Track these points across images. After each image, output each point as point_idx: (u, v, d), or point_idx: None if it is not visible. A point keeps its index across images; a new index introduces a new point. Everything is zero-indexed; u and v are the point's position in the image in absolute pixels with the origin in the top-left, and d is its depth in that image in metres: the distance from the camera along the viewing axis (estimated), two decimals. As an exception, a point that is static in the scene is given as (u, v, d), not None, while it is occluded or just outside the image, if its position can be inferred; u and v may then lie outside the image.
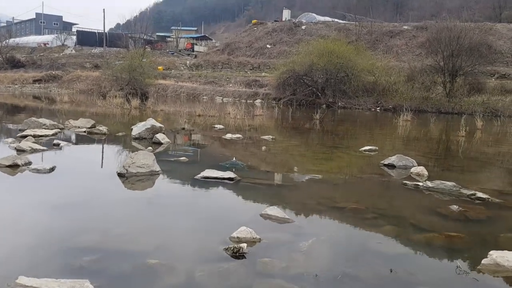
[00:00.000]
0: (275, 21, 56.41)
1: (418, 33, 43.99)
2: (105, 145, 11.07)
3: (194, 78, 42.92)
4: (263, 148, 11.17)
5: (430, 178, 7.88)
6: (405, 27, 46.18)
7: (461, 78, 31.13)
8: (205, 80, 42.04)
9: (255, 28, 53.14)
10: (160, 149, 10.63)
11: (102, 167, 8.31)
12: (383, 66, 34.07)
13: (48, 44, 57.28)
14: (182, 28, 64.05)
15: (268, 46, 48.08)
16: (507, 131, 18.39)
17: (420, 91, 31.38)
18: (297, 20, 53.79)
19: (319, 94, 32.85)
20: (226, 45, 51.18)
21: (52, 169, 7.64)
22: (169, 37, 62.98)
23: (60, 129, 12.96)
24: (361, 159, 10.11)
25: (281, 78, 33.81)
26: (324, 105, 31.59)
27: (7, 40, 50.76)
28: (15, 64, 48.03)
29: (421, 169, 8.44)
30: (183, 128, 14.67)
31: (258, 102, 34.48)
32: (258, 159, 9.71)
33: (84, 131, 12.81)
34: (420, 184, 7.42)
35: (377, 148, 11.33)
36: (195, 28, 69.13)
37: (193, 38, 60.73)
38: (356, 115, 27.08)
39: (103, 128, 12.86)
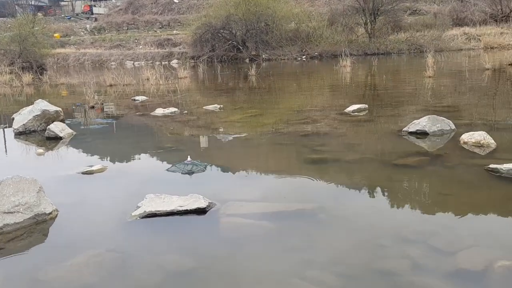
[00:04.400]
0: (178, -26, 50.27)
1: (329, -24, 40.87)
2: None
3: (98, 43, 36.74)
4: (220, 128, 7.35)
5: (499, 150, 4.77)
6: (314, -30, 42.77)
7: (383, 17, 28.75)
8: (111, 44, 36.10)
9: (158, -17, 46.89)
10: (58, 149, 6.41)
11: None
12: (303, 11, 30.64)
13: None
14: (76, -10, 55.47)
15: (175, 0, 42.54)
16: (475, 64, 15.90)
17: (343, 34, 28.60)
18: (201, -29, 48.13)
19: (241, 48, 28.94)
20: (129, 3, 44.64)
21: None
22: (63, 0, 54.26)
23: None
24: (366, 128, 6.69)
25: (196, 34, 29.35)
26: (247, 59, 27.84)
27: None
28: None
29: (482, 136, 5.18)
30: (93, 107, 10.30)
31: (174, 62, 29.83)
32: (223, 151, 5.89)
33: None
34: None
35: (367, 106, 7.99)
36: (91, -11, 60.50)
37: None
38: (286, 66, 23.69)
39: (-31, 122, 8.20)
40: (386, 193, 3.98)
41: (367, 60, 22.70)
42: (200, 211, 3.64)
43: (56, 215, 3.74)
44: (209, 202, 3.72)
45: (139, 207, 3.69)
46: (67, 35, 39.99)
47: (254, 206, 3.69)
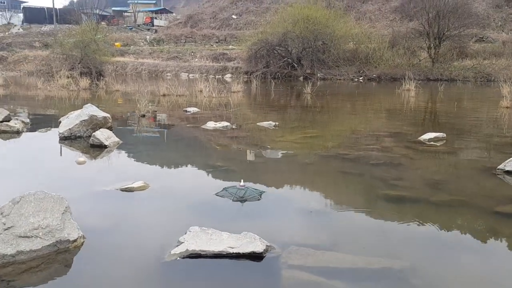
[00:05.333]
0: (239, -10, 50.67)
1: (391, -2, 39.71)
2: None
3: (156, 54, 37.32)
4: (277, 149, 6.57)
5: None
6: (377, -9, 41.71)
7: (448, 42, 27.20)
8: (168, 56, 36.55)
9: (218, -2, 47.43)
10: (100, 159, 5.87)
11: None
12: (363, 32, 29.63)
13: (-9, 23, 49.46)
14: (140, 1, 57.21)
15: (233, 16, 42.70)
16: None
17: (405, 57, 27.30)
18: (262, -12, 48.24)
19: (295, 66, 28.27)
20: (189, 17, 45.33)
21: None
22: (126, 11, 55.94)
23: None
24: (449, 162, 5.71)
25: (252, 50, 28.99)
26: (301, 77, 27.15)
27: None
28: (-49, 46, 40.61)
29: None
30: (143, 115, 9.86)
31: (228, 77, 29.62)
32: (281, 177, 5.09)
33: (-13, 129, 7.81)
34: None
35: (444, 135, 6.97)
36: (154, 1, 62.18)
37: (152, 11, 53.93)
38: (342, 87, 22.74)
39: (17, 123, 7.90)
40: (496, 252, 3.05)
41: (430, 86, 21.36)
42: (255, 256, 2.86)
43: (82, 243, 3.08)
44: (266, 246, 2.93)
45: (181, 243, 2.96)
46: (127, 44, 40.99)
47: (325, 257, 2.86)
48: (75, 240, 3.05)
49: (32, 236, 2.92)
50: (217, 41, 40.09)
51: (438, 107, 12.48)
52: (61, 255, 2.93)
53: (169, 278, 2.70)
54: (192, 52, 36.72)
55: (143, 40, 42.97)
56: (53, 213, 3.06)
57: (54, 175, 4.96)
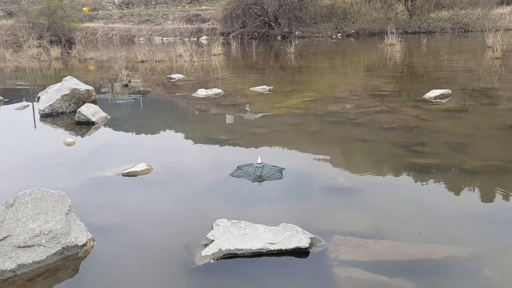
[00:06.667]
0: None
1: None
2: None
3: (126, 18, 35.53)
4: (276, 120, 6.09)
5: None
6: None
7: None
8: (139, 19, 34.86)
9: (187, -43, 45.01)
10: (90, 138, 5.29)
11: None
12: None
13: None
14: (104, -37, 53.96)
15: (204, -25, 40.77)
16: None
17: (382, 11, 26.65)
18: None
19: (272, 24, 27.35)
20: (157, -23, 43.07)
21: None
22: (91, -26, 52.98)
23: None
24: (466, 121, 5.36)
25: (227, 10, 27.82)
26: (279, 36, 26.38)
27: None
28: None
29: None
30: (126, 85, 9.16)
31: (204, 39, 28.51)
32: (294, 148, 4.60)
33: (-42, 109, 7.04)
34: None
35: (450, 91, 6.61)
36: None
37: (118, -27, 51.29)
38: (321, 44, 22.08)
39: (-10, 101, 7.16)
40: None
41: (409, 39, 20.92)
42: (300, 252, 2.45)
43: (92, 247, 2.60)
44: (311, 238, 2.51)
45: (211, 241, 2.51)
46: (95, 9, 38.88)
47: (378, 248, 2.47)
48: (84, 245, 2.56)
49: (33, 245, 2.42)
50: (189, 1, 38.43)
51: (429, 62, 12.08)
52: (69, 263, 2.46)
53: (204, 285, 2.27)
54: (164, 14, 35.10)
55: (111, 4, 40.79)
56: (55, 215, 2.55)
57: (42, 161, 4.39)
